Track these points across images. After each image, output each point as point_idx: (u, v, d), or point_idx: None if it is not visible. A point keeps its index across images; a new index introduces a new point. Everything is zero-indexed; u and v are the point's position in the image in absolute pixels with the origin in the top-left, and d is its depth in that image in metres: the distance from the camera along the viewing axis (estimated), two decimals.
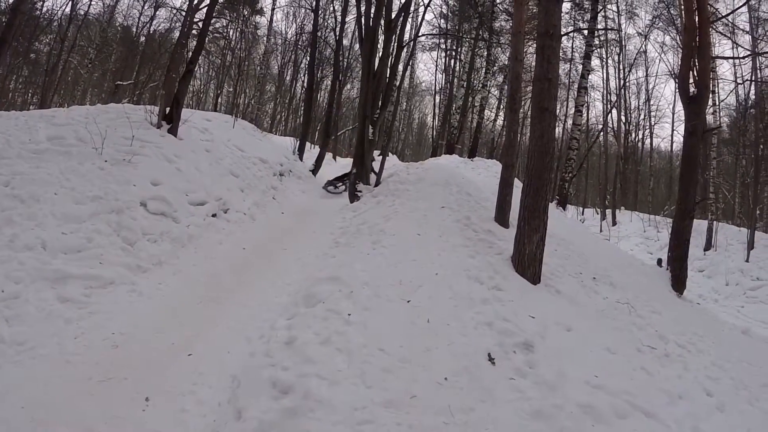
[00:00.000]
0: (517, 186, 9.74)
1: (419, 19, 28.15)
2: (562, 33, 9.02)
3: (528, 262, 7.47)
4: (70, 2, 22.84)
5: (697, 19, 10.30)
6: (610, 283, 8.48)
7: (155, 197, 8.37)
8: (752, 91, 24.54)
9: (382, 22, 14.67)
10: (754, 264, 18.33)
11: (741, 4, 15.07)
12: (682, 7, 12.06)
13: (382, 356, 4.78)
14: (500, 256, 7.88)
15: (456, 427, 4.08)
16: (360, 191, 12.75)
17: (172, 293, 6.67)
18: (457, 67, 30.47)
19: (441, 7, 30.80)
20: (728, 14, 13.48)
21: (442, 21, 31.46)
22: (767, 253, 18.49)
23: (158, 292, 6.62)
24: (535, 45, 8.51)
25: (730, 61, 24.33)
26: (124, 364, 4.90)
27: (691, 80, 10.43)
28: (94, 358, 4.97)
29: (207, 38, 25.93)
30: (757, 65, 22.87)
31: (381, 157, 14.51)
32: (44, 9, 25.04)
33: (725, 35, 17.61)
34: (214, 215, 9.39)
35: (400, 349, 4.92)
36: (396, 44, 15.23)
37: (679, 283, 10.05)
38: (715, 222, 21.33)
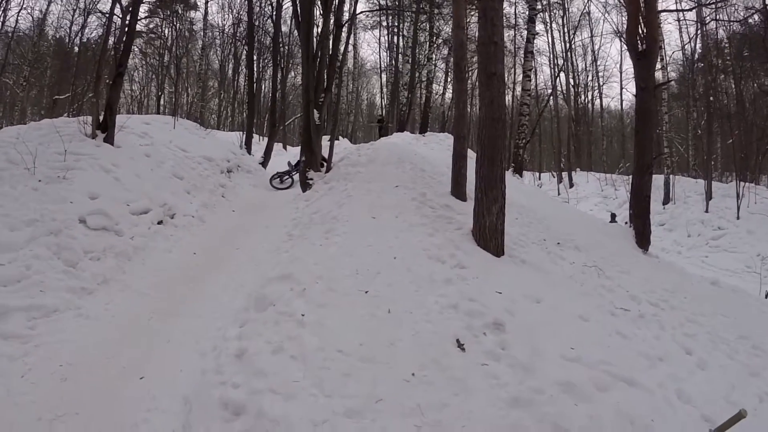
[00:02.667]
0: (471, 157, 9.50)
1: None
2: None
3: (489, 234, 7.26)
4: None
5: None
6: (575, 247, 8.38)
7: (94, 211, 7.76)
8: (698, 45, 24.86)
9: (319, 2, 14.17)
10: (713, 214, 18.76)
11: None
12: None
13: (341, 359, 4.45)
14: (460, 231, 7.66)
15: (429, 428, 3.78)
16: (311, 179, 12.33)
17: (120, 312, 6.14)
18: (401, 43, 30.03)
19: None
20: None
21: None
22: (726, 202, 18.92)
23: (106, 313, 6.08)
24: (477, 13, 8.21)
25: (675, 16, 24.53)
26: (75, 398, 4.46)
27: (639, 36, 10.26)
28: (42, 395, 4.50)
29: (141, 39, 25.15)
30: (703, 17, 23.05)
31: (330, 141, 14.05)
32: None
33: None
34: (160, 222, 8.82)
35: (361, 348, 4.60)
36: (335, 23, 14.77)
37: (643, 239, 10.01)
38: (671, 176, 21.60)
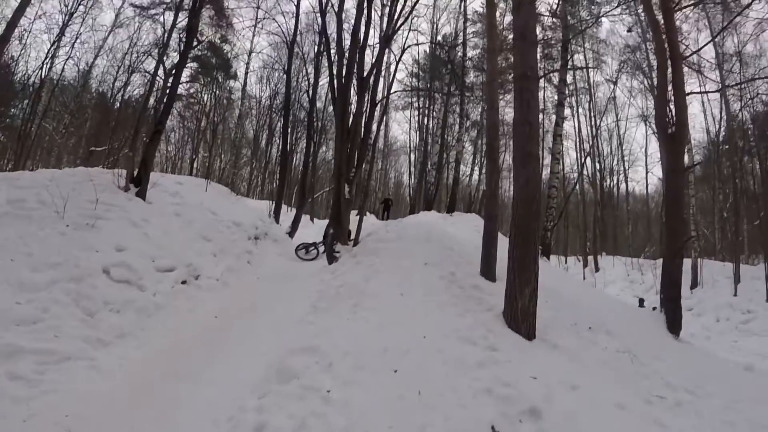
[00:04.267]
0: (501, 239, 9.40)
1: (391, 77, 28.49)
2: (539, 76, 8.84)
3: (522, 317, 7.05)
4: (44, 66, 22.66)
5: (669, 57, 10.23)
6: (607, 332, 8.07)
7: (119, 264, 7.69)
8: (723, 127, 24.98)
9: (354, 80, 14.52)
10: (742, 297, 18.29)
11: (708, 40, 15.18)
12: (652, 47, 12.03)
13: None
14: (491, 312, 7.47)
15: None
16: (338, 252, 12.29)
17: (134, 369, 5.97)
18: (431, 124, 30.62)
19: (411, 66, 31.20)
20: (698, 50, 13.44)
21: (413, 80, 31.81)
22: (754, 285, 18.45)
23: (119, 368, 5.93)
24: (509, 94, 8.31)
25: (699, 99, 24.83)
26: None
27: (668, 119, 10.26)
28: None
29: (181, 102, 25.87)
30: (727, 98, 23.29)
31: (359, 216, 14.08)
32: (19, 73, 24.76)
33: (696, 70, 17.78)
34: (183, 282, 8.72)
35: (389, 430, 4.35)
36: (369, 102, 15.09)
37: (674, 324, 9.63)
38: (698, 259, 21.21)
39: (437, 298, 7.87)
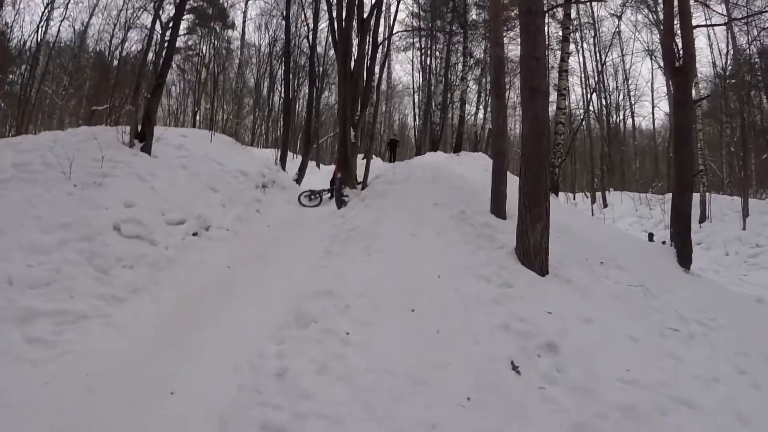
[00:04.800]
0: (510, 177, 9.38)
1: (392, 18, 27.91)
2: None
3: (534, 253, 7.08)
4: (39, 29, 22.34)
5: None
6: (618, 266, 8.13)
7: (129, 219, 7.64)
8: (729, 61, 24.57)
9: (355, 23, 14.18)
10: (751, 231, 18.30)
11: None
12: None
13: (391, 381, 4.25)
14: (503, 249, 7.48)
15: None
16: (347, 196, 12.26)
17: (151, 323, 5.96)
18: (434, 64, 30.13)
19: (412, 6, 30.48)
20: None
21: (415, 20, 31.13)
22: (763, 219, 18.45)
23: (136, 323, 5.92)
24: (513, 30, 8.15)
25: (704, 33, 24.41)
26: (99, 412, 4.27)
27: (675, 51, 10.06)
28: (65, 405, 4.31)
29: (179, 55, 25.54)
30: (734, 32, 22.86)
31: (365, 160, 13.99)
32: (14, 39, 24.45)
33: (702, 3, 17.31)
34: (194, 234, 8.69)
35: (411, 370, 4.39)
36: (371, 44, 14.79)
37: (684, 258, 9.65)
38: (707, 194, 21.15)
39: (449, 237, 7.87)
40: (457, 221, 8.67)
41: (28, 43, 23.61)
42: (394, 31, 22.35)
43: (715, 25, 20.28)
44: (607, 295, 6.83)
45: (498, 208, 9.35)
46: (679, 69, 9.91)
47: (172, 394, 4.57)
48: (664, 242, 11.22)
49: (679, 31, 9.98)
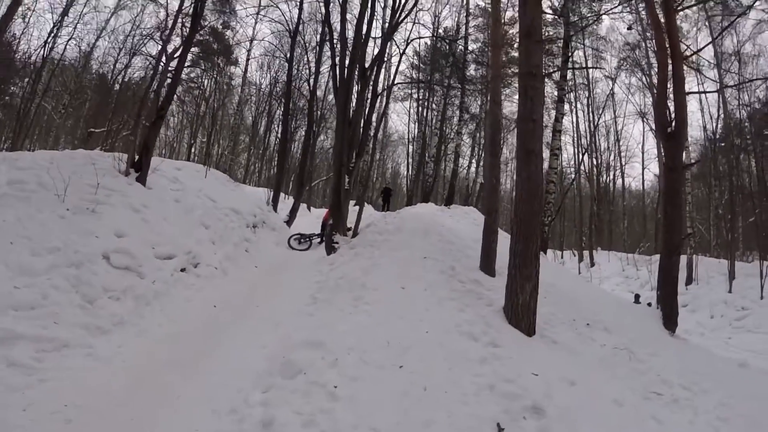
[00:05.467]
0: (500, 234, 9.45)
1: (393, 69, 28.41)
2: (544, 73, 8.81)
3: (522, 313, 7.11)
4: (45, 45, 22.47)
5: (669, 56, 10.21)
6: (605, 328, 8.17)
7: (119, 250, 7.59)
8: (719, 125, 25.15)
9: (357, 72, 14.43)
10: (737, 294, 18.40)
11: (710, 41, 15.24)
12: (652, 45, 11.98)
13: None
14: (491, 307, 7.51)
15: None
16: (337, 243, 12.25)
17: (133, 358, 5.86)
18: (429, 116, 30.57)
19: (412, 58, 31.10)
20: (699, 50, 13.44)
21: (414, 72, 31.69)
22: (749, 282, 18.54)
23: (118, 356, 5.82)
24: (508, 88, 8.33)
25: (696, 97, 25.01)
26: None
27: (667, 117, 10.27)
28: None
29: (181, 87, 25.76)
30: (725, 98, 23.48)
31: (357, 207, 14.06)
32: (20, 51, 24.55)
33: (695, 69, 17.83)
34: (183, 270, 8.65)
35: (396, 427, 4.36)
36: (371, 93, 15.02)
37: (670, 321, 9.66)
38: (694, 256, 21.33)
39: (438, 292, 7.87)
40: (446, 276, 8.71)
41: (34, 57, 23.73)
42: (396, 82, 22.66)
43: (708, 92, 20.90)
44: (593, 357, 6.86)
45: (487, 265, 9.43)
46: (670, 134, 10.07)
47: None
48: (649, 304, 11.35)
49: (672, 96, 10.18)
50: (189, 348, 6.39)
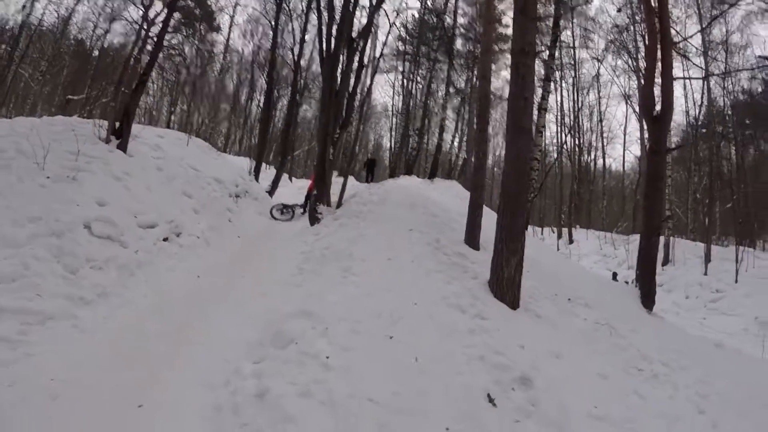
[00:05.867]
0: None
1: (379, 41, 28.13)
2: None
3: (507, 286, 7.17)
4: (23, 9, 21.88)
5: (659, 41, 10.19)
6: (585, 304, 8.25)
7: (101, 218, 7.35)
8: (702, 112, 25.39)
9: (344, 42, 14.21)
10: (712, 276, 18.76)
11: (699, 29, 15.30)
12: (640, 29, 11.98)
13: (374, 408, 4.19)
14: (476, 280, 7.54)
15: None
16: (321, 213, 12.20)
17: (119, 328, 5.69)
18: (414, 90, 30.36)
19: (400, 29, 30.77)
20: (689, 37, 13.51)
21: (400, 44, 31.37)
22: (724, 265, 18.90)
23: (104, 326, 5.64)
24: (495, 64, 8.28)
25: (680, 83, 25.14)
26: (65, 420, 4.02)
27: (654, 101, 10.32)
28: (29, 412, 4.05)
29: (161, 53, 25.35)
30: (709, 86, 23.68)
31: (341, 178, 13.99)
32: None
33: (683, 55, 17.85)
34: (165, 239, 8.51)
35: (393, 397, 4.35)
36: (357, 64, 14.84)
37: (648, 299, 9.84)
38: (671, 238, 21.64)
39: (424, 264, 7.88)
40: (432, 249, 8.72)
41: (10, 23, 23.15)
42: (383, 54, 22.43)
43: (694, 78, 21.22)
44: (575, 332, 6.94)
45: (472, 239, 9.47)
46: (656, 118, 10.10)
47: (140, 407, 4.36)
48: (627, 282, 11.59)
49: (659, 80, 10.19)
50: (175, 319, 6.24)
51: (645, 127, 24.97)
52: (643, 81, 11.44)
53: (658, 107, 10.10)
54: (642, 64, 24.69)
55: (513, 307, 7.04)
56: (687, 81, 23.90)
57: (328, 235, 10.07)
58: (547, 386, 4.98)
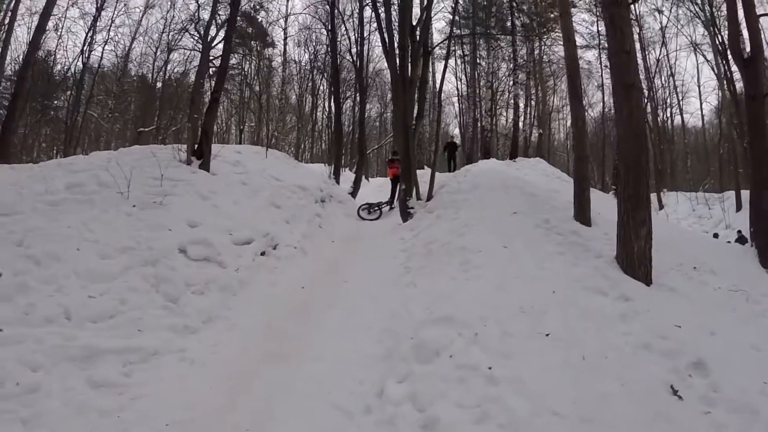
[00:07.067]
0: (568, 181, 8.81)
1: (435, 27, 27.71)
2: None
3: (638, 261, 6.57)
4: (82, 56, 22.67)
5: None
6: (711, 271, 7.57)
7: (195, 240, 7.18)
8: None
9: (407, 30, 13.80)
10: None
11: None
12: None
13: (561, 423, 3.68)
14: (601, 259, 6.98)
15: None
16: (412, 208, 11.78)
17: (230, 355, 5.26)
18: (477, 71, 29.60)
19: (450, 14, 30.21)
20: None
21: (454, 28, 30.74)
22: None
23: (214, 356, 5.22)
24: (604, 23, 7.65)
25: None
26: None
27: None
28: None
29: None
30: None
31: (428, 170, 13.60)
32: (57, 67, 25.01)
33: None
34: (262, 253, 8.22)
35: (575, 407, 3.83)
36: (423, 50, 14.35)
37: (766, 259, 8.91)
38: None
39: (542, 247, 7.36)
40: (543, 230, 8.18)
41: (72, 68, 23.95)
42: (451, 35, 21.91)
43: None
44: (712, 303, 6.35)
45: (583, 214, 8.80)
46: (748, 60, 9.30)
47: None
48: (728, 242, 11.56)
49: (744, 22, 9.46)
50: (286, 337, 5.82)
51: (722, 74, 23.67)
52: (727, 23, 10.57)
53: (747, 49, 9.34)
54: (708, 8, 23.40)
55: (647, 283, 6.42)
56: None
57: (426, 229, 9.67)
58: (719, 368, 4.41)
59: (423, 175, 14.72)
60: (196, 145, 10.11)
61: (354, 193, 17.44)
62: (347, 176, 20.85)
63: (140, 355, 4.92)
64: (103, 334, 4.98)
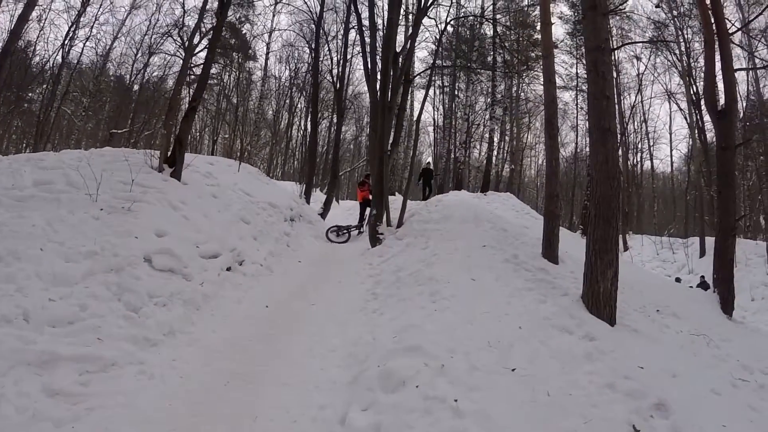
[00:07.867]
0: (538, 219, 8.94)
1: (417, 57, 28.02)
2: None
3: (603, 301, 6.63)
4: (62, 50, 22.35)
5: (716, 34, 9.78)
6: (674, 314, 7.79)
7: (161, 251, 7.00)
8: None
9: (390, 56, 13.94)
10: None
11: (757, 13, 14.62)
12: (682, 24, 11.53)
13: None
14: (567, 297, 7.05)
15: None
16: (382, 233, 11.77)
17: (190, 372, 5.09)
18: (454, 103, 30.03)
19: (434, 44, 30.59)
20: (747, 23, 12.86)
21: (436, 59, 31.17)
22: None
23: (173, 371, 5.04)
24: (533, 71, 7.78)
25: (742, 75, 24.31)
26: None
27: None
28: None
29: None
30: None
31: (399, 196, 13.62)
32: (36, 59, 24.56)
33: (743, 48, 17.16)
34: (228, 269, 8.13)
35: None
36: (404, 79, 14.47)
37: (727, 305, 9.35)
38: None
39: (510, 282, 7.41)
40: (512, 265, 8.27)
41: (51, 62, 23.61)
42: (426, 68, 22.22)
43: (760, 68, 20.29)
44: (674, 345, 6.46)
45: (551, 252, 8.99)
46: (722, 112, 9.67)
47: None
48: (690, 287, 12.04)
49: (720, 75, 9.78)
50: (250, 356, 5.71)
51: (694, 123, 24.39)
52: (703, 75, 11.10)
53: (721, 102, 9.73)
54: (685, 59, 24.24)
55: (611, 323, 6.48)
56: (753, 73, 23.14)
57: (395, 256, 9.69)
58: (681, 410, 4.45)
59: (394, 201, 14.78)
60: (169, 153, 9.91)
61: (324, 214, 17.35)
62: (318, 196, 20.81)
63: (98, 364, 4.71)
64: (61, 340, 4.76)
